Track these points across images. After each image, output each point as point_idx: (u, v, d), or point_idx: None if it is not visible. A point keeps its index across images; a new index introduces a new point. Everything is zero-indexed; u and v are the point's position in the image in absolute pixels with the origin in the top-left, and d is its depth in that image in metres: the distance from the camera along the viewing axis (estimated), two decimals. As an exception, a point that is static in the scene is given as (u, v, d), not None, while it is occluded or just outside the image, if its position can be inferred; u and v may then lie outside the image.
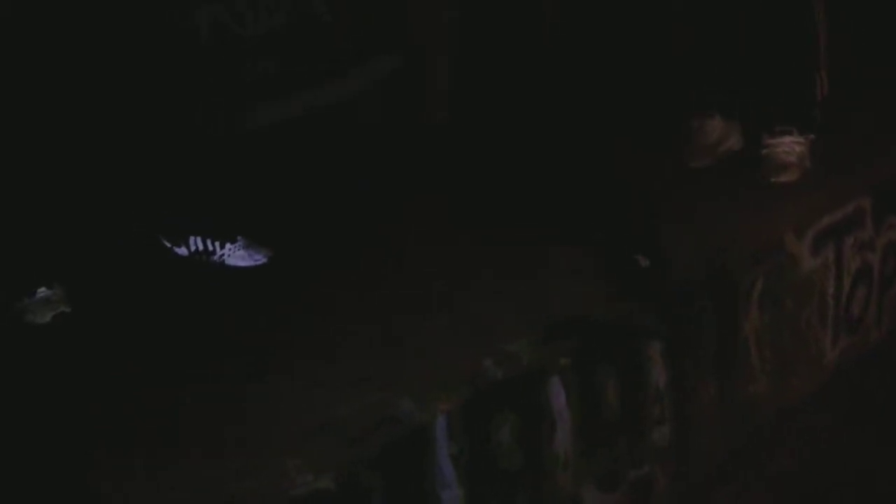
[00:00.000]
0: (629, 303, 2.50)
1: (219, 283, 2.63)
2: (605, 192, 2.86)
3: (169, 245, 2.77)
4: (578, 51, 3.48)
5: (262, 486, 1.88)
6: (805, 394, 2.92)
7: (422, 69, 3.38)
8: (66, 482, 1.94)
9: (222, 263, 2.75)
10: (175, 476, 1.92)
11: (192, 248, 2.76)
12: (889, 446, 2.77)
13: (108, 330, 2.46)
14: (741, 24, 3.02)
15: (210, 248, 2.75)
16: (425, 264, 2.67)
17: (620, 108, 3.32)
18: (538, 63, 3.42)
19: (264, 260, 2.74)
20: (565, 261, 2.64)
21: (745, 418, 2.78)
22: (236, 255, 2.76)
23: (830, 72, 3.02)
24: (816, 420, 2.86)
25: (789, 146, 3.00)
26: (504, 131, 3.21)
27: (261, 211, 2.84)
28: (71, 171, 2.55)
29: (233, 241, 2.75)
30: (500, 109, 3.29)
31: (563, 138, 3.13)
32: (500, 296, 2.52)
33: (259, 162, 2.94)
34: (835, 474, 2.68)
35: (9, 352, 2.40)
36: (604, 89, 3.39)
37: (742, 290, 2.72)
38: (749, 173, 2.99)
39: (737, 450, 2.73)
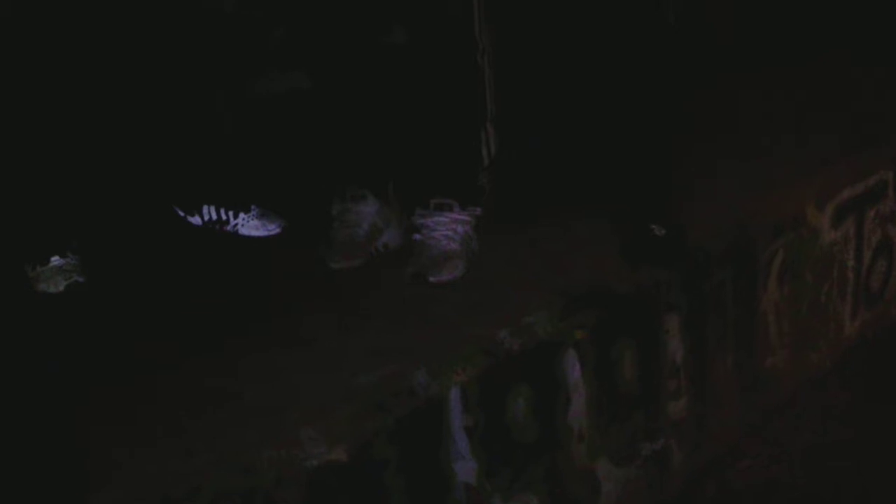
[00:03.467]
0: (647, 275, 2.47)
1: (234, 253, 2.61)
2: (624, 163, 2.82)
3: (182, 214, 2.76)
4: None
5: (276, 456, 1.87)
6: (824, 368, 2.90)
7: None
8: (74, 448, 1.93)
9: (236, 233, 2.73)
10: (192, 443, 1.91)
11: (206, 218, 2.74)
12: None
13: (122, 299, 2.45)
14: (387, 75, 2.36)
15: (224, 217, 2.74)
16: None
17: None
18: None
19: (278, 230, 2.73)
20: (584, 232, 2.61)
21: (763, 392, 2.75)
22: (250, 225, 2.74)
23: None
24: (836, 395, 2.83)
25: (450, 228, 2.42)
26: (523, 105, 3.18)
27: (275, 179, 2.81)
28: (84, 138, 2.53)
29: (246, 211, 2.74)
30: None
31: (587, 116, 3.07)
32: (516, 266, 2.49)
33: (273, 130, 2.91)
34: (854, 450, 2.66)
35: (20, 320, 2.39)
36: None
37: (762, 263, 2.69)
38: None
39: (754, 424, 2.71)
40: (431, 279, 2.38)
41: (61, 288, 2.50)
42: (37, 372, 2.13)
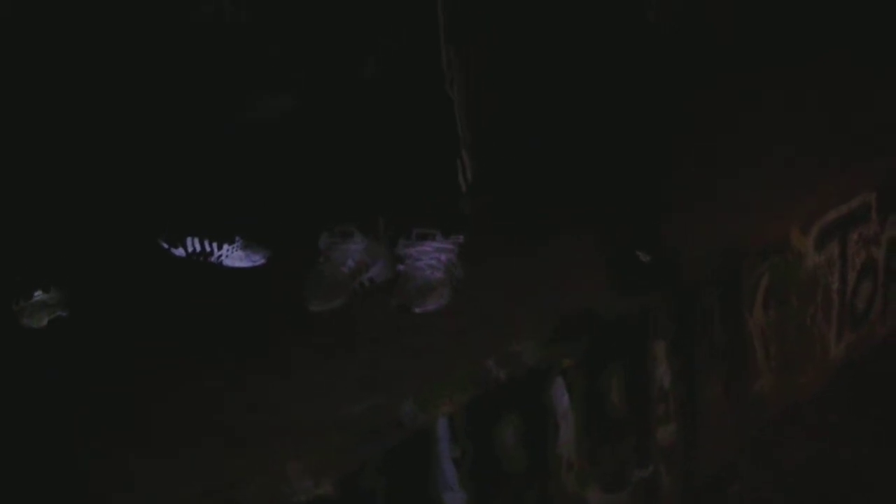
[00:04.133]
0: (634, 300, 2.47)
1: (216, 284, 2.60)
2: (609, 188, 2.82)
3: (166, 246, 2.74)
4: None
5: (262, 492, 1.85)
6: (811, 390, 2.90)
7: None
8: (63, 486, 1.92)
9: (220, 264, 2.72)
10: (174, 480, 1.89)
11: (190, 249, 2.73)
12: (896, 442, 2.74)
13: (105, 331, 2.43)
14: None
15: (208, 248, 2.73)
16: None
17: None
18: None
19: (262, 261, 2.71)
20: (570, 257, 2.61)
21: (751, 416, 2.75)
22: (234, 256, 2.73)
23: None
24: (823, 417, 2.83)
25: (433, 257, 2.42)
26: (510, 125, 3.18)
27: (259, 209, 2.80)
28: (69, 172, 2.52)
29: (231, 242, 2.72)
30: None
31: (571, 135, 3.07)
32: (502, 293, 2.49)
33: (257, 159, 2.90)
34: (843, 471, 2.66)
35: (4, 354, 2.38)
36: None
37: (747, 287, 2.69)
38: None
39: (743, 448, 2.70)
40: (417, 310, 2.38)
41: (44, 323, 2.48)
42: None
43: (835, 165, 3.00)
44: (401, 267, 2.44)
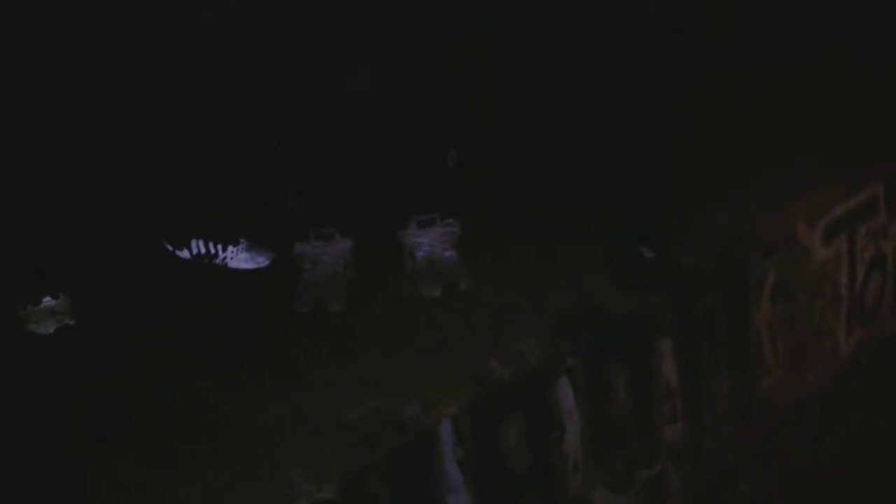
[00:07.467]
0: (638, 298, 2.46)
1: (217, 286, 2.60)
2: (613, 184, 2.80)
3: (171, 248, 2.74)
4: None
5: (264, 496, 1.85)
6: (820, 387, 2.88)
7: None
8: (64, 490, 1.92)
9: (225, 266, 2.72)
10: (178, 481, 1.89)
11: (195, 251, 2.73)
12: (907, 439, 2.73)
13: (109, 334, 2.43)
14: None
15: (212, 250, 2.72)
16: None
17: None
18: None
19: (267, 262, 2.71)
20: (574, 255, 2.59)
21: (759, 414, 2.73)
22: (239, 258, 2.73)
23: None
24: (832, 414, 2.81)
25: (441, 239, 2.48)
26: (513, 126, 3.17)
27: (263, 211, 2.80)
28: (75, 177, 2.52)
29: (235, 244, 2.72)
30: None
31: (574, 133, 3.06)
32: (507, 291, 2.48)
33: (264, 160, 2.90)
34: (852, 469, 2.64)
35: (8, 360, 2.38)
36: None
37: (754, 283, 2.67)
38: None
39: (751, 446, 2.68)
40: (427, 294, 2.42)
41: (51, 330, 2.47)
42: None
43: (840, 160, 2.97)
44: (419, 253, 2.47)
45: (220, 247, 2.72)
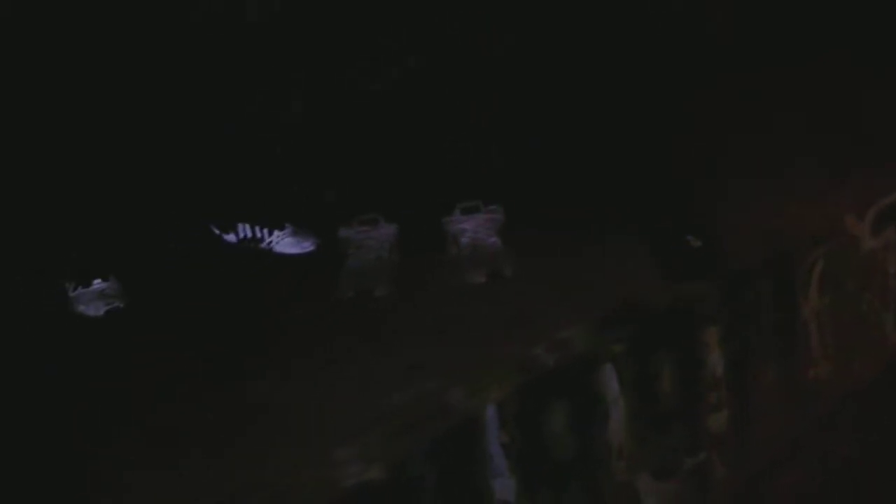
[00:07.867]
0: (684, 287, 2.44)
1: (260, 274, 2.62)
2: (660, 175, 2.79)
3: (218, 232, 2.77)
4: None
5: (312, 477, 1.86)
6: (868, 378, 2.85)
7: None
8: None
9: (270, 250, 2.74)
10: (227, 465, 1.91)
11: (241, 235, 2.75)
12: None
13: (157, 319, 2.46)
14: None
15: (258, 235, 2.75)
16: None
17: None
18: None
19: (312, 247, 2.73)
20: (620, 244, 2.59)
21: (805, 404, 2.71)
22: (284, 243, 2.75)
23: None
24: (880, 405, 2.78)
25: (486, 225, 2.51)
26: (555, 113, 3.16)
27: (307, 197, 2.82)
28: (127, 164, 2.55)
29: (280, 229, 2.74)
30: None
31: (618, 124, 3.04)
32: (549, 279, 2.48)
33: (305, 147, 2.92)
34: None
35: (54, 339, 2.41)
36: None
37: (801, 273, 2.65)
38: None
39: (797, 437, 2.66)
40: (471, 280, 2.43)
41: (101, 312, 2.50)
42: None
43: (887, 152, 2.95)
44: (463, 240, 2.49)
45: (265, 231, 2.75)
